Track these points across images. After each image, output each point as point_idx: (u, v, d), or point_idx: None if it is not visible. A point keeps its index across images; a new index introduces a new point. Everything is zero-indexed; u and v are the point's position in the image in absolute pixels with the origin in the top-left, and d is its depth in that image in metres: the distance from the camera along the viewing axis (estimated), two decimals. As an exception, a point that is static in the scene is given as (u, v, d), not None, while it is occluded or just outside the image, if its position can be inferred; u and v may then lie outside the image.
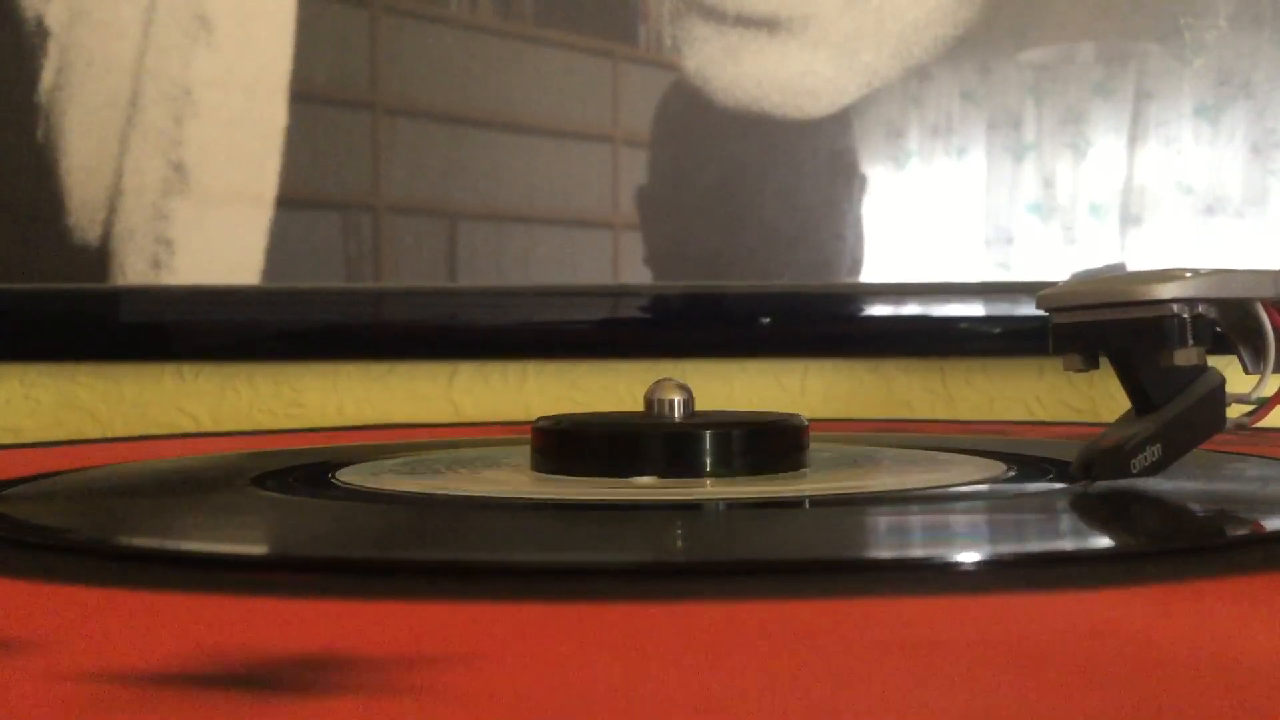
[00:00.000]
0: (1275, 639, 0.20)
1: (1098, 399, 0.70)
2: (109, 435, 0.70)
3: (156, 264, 0.70)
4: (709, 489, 0.35)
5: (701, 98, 0.70)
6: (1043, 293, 0.33)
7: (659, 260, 0.70)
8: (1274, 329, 0.31)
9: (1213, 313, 0.31)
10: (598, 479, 0.36)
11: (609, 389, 0.71)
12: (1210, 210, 0.69)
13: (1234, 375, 0.33)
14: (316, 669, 0.18)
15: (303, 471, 0.40)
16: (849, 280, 0.70)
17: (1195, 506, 0.32)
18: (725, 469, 0.36)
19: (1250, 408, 0.32)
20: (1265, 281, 0.31)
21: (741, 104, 0.70)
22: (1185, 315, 0.31)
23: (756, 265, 0.70)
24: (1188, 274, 0.31)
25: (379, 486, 0.36)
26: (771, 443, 0.38)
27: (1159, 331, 0.31)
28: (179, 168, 0.70)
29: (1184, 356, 0.31)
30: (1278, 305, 0.31)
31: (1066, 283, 0.33)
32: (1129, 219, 0.70)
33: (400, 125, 0.71)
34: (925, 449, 0.45)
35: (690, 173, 0.71)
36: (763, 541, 0.29)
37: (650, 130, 0.70)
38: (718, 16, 0.70)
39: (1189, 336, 0.31)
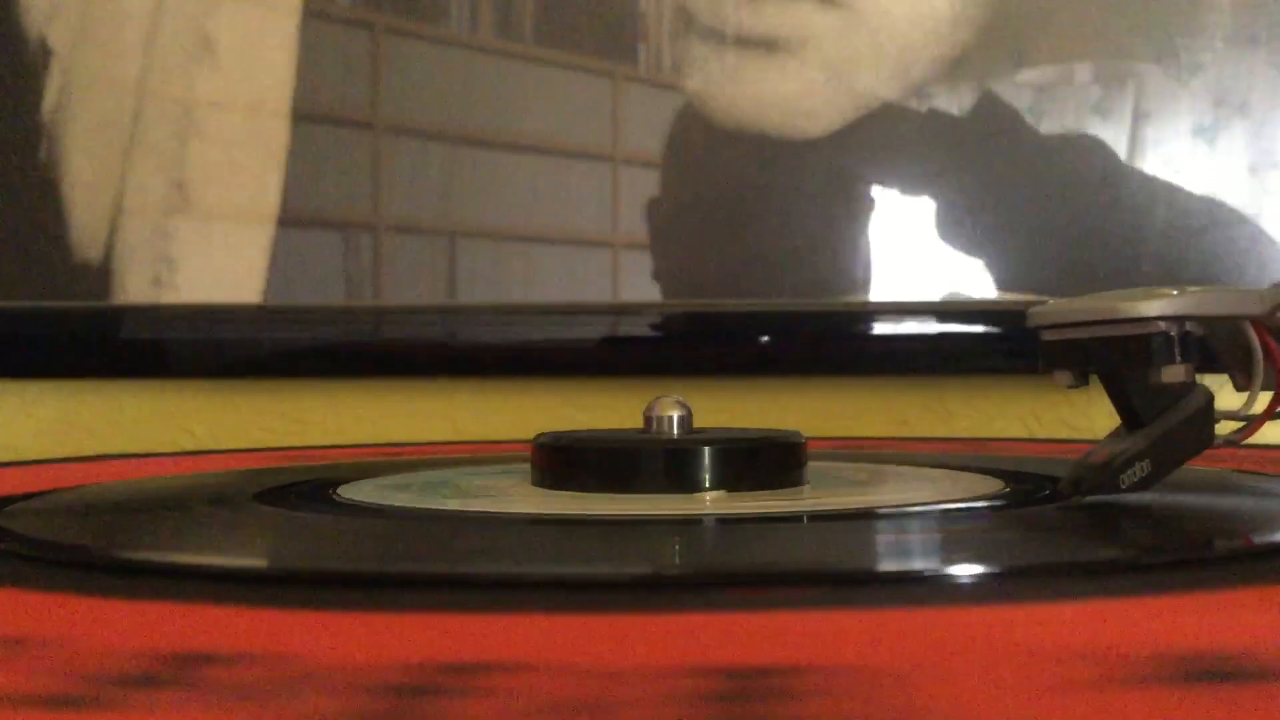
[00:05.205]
0: (1265, 651, 0.20)
1: (1096, 417, 0.70)
2: (109, 453, 0.70)
3: (158, 282, 0.71)
4: (707, 505, 0.35)
5: (700, 118, 0.70)
6: (1032, 310, 0.33)
7: (662, 276, 0.71)
8: (1262, 347, 0.32)
9: (1201, 330, 0.31)
10: (597, 494, 0.37)
11: (609, 407, 0.71)
12: (1207, 230, 0.69)
13: (1226, 393, 0.34)
14: (318, 678, 0.19)
15: (305, 487, 0.41)
16: (848, 299, 0.70)
17: (1184, 521, 0.33)
18: (724, 485, 0.36)
19: (1239, 425, 0.32)
20: (1253, 299, 0.32)
21: (740, 124, 0.70)
22: (1173, 333, 0.31)
23: (756, 284, 0.70)
24: (1174, 292, 0.31)
25: (380, 502, 0.37)
26: (770, 459, 0.38)
27: (1147, 349, 0.31)
28: (181, 186, 0.71)
29: (1172, 374, 0.31)
30: (1266, 323, 0.32)
31: (1056, 300, 0.33)
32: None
33: (401, 144, 0.71)
34: (923, 466, 0.45)
35: (689, 192, 0.71)
36: (761, 556, 0.29)
37: (650, 150, 0.71)
38: (717, 37, 0.70)
39: (1177, 354, 0.31)
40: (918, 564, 0.29)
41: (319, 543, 0.33)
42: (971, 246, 0.70)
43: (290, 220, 0.71)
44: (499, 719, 0.17)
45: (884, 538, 0.32)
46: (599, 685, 0.18)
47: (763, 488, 0.37)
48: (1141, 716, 0.17)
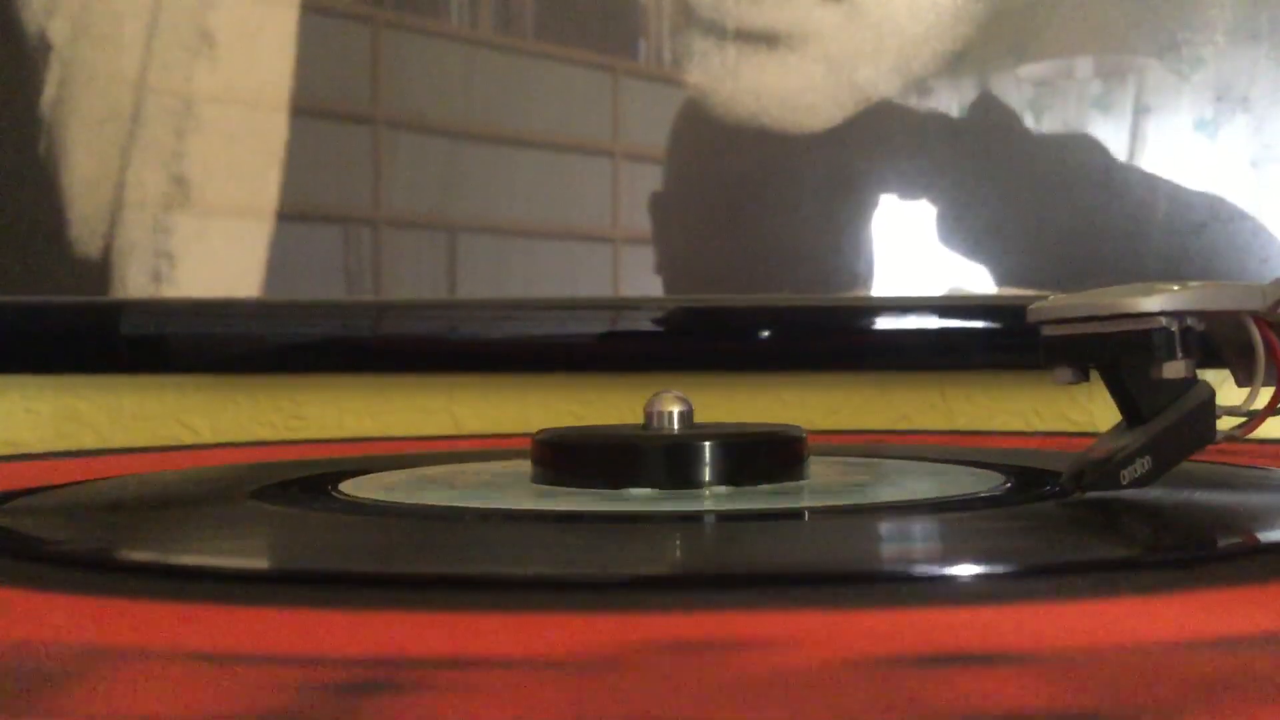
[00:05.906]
0: (1265, 649, 0.20)
1: (1096, 412, 0.70)
2: (109, 448, 0.70)
3: (157, 277, 0.71)
4: (707, 501, 0.35)
5: (701, 112, 0.70)
6: (1033, 305, 0.33)
7: (663, 271, 0.71)
8: (1264, 342, 0.32)
9: (1202, 326, 0.31)
10: (597, 491, 0.36)
11: (609, 402, 0.71)
12: (1208, 225, 0.69)
13: (1227, 388, 0.33)
14: (317, 676, 0.19)
15: (303, 484, 0.41)
16: (849, 294, 0.70)
17: (1185, 517, 0.33)
18: (724, 481, 0.36)
19: (1241, 420, 0.32)
20: (1254, 294, 0.31)
21: (741, 119, 0.70)
22: (1174, 328, 0.31)
23: (757, 279, 0.70)
24: (1175, 287, 0.31)
25: (380, 499, 0.37)
26: (770, 455, 0.38)
27: (1148, 344, 0.31)
28: (180, 181, 0.71)
29: (1173, 369, 0.31)
30: (1267, 318, 0.32)
31: (1057, 295, 0.33)
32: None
33: (401, 139, 0.71)
34: (923, 460, 0.45)
35: (690, 187, 0.71)
36: (761, 553, 0.29)
37: (651, 144, 0.71)
38: (718, 31, 0.70)
39: (1178, 349, 0.31)
40: (918, 562, 0.29)
41: (318, 540, 0.33)
42: (973, 242, 0.69)
43: (290, 215, 0.71)
44: (497, 717, 0.17)
45: (885, 535, 0.31)
46: (598, 683, 0.18)
47: (762, 483, 0.37)
48: (1141, 714, 0.17)
